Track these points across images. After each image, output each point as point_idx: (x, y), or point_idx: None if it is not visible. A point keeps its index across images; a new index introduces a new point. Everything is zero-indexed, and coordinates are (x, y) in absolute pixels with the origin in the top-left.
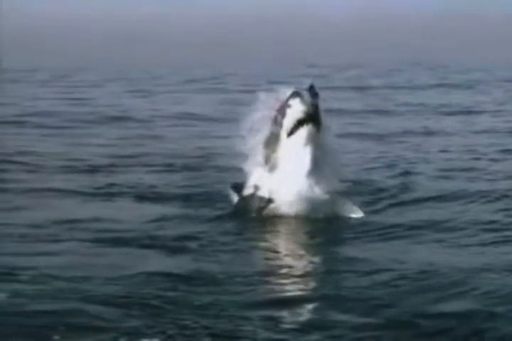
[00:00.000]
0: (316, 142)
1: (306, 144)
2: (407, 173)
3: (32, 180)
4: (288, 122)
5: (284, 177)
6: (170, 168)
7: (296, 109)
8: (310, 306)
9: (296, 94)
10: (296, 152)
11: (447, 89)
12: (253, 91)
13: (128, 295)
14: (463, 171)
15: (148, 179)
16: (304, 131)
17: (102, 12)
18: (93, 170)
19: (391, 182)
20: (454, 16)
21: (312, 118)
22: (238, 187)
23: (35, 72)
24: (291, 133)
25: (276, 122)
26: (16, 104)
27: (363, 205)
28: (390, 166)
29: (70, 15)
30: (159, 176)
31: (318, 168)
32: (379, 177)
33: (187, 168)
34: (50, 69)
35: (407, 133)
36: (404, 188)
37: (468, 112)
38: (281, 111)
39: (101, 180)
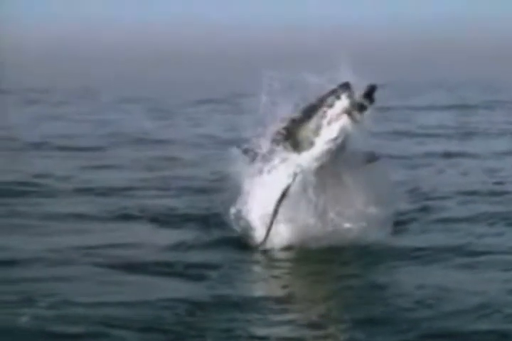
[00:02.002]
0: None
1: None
2: (428, 196)
3: (49, 204)
4: (332, 112)
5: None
6: (185, 192)
7: (344, 101)
8: (332, 330)
9: (346, 87)
10: (334, 137)
11: (466, 110)
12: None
13: (147, 319)
14: (485, 194)
15: (165, 202)
16: (346, 121)
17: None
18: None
19: (412, 205)
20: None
21: (356, 110)
22: (250, 152)
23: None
24: (332, 121)
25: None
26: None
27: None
28: (412, 189)
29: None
30: (175, 200)
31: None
32: (401, 199)
33: (205, 191)
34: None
35: (428, 155)
36: (426, 211)
37: (487, 133)
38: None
39: (118, 203)
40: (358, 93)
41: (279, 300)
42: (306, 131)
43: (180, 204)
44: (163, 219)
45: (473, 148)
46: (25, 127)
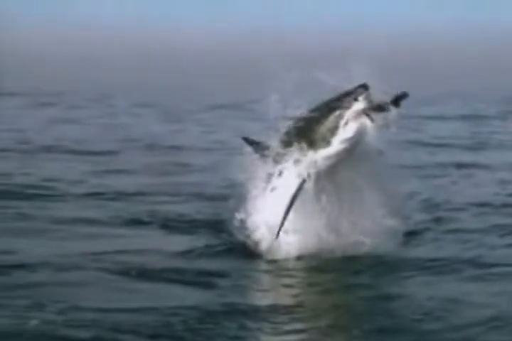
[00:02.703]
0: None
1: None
2: (440, 207)
3: (59, 208)
4: (349, 113)
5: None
6: (197, 198)
7: (361, 103)
8: (341, 340)
9: (364, 88)
10: (351, 137)
11: (479, 120)
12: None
13: (155, 326)
14: (497, 206)
15: (176, 208)
16: (364, 121)
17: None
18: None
19: (424, 215)
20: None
21: (374, 111)
22: (253, 142)
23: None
24: (349, 121)
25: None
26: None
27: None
28: (425, 199)
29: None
30: (186, 206)
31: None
32: (413, 210)
33: (215, 197)
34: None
35: (440, 165)
36: (438, 222)
37: (500, 144)
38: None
39: (128, 208)
40: (387, 97)
41: (288, 309)
42: (322, 130)
43: (190, 210)
44: (173, 225)
45: (486, 159)
46: (37, 130)
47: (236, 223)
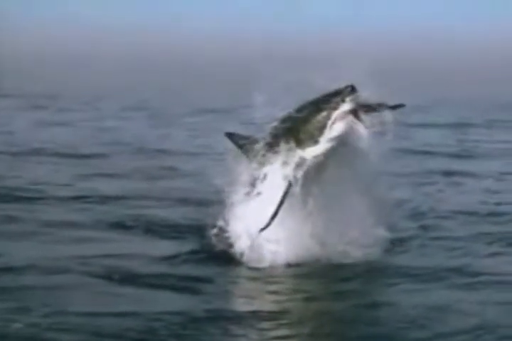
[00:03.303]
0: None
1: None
2: (427, 215)
3: (45, 211)
4: (337, 113)
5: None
6: (182, 202)
7: (349, 104)
8: None
9: (351, 89)
10: (338, 135)
11: (467, 128)
12: None
13: (140, 331)
14: (484, 214)
15: (162, 213)
16: (351, 120)
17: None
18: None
19: (411, 223)
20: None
21: (362, 111)
22: (239, 137)
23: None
24: (337, 121)
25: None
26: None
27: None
28: (411, 207)
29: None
30: (172, 210)
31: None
32: (400, 218)
33: (202, 202)
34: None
35: (428, 173)
36: (425, 230)
37: (487, 153)
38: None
39: (114, 212)
40: (384, 104)
41: (273, 316)
42: (310, 129)
43: (176, 215)
44: (158, 230)
45: (473, 167)
46: (26, 133)
47: (216, 231)
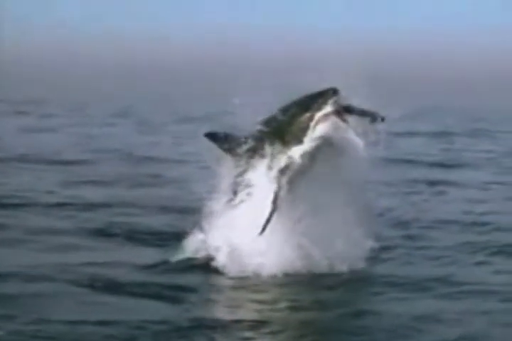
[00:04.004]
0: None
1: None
2: (411, 224)
3: (29, 218)
4: (319, 114)
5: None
6: (166, 210)
7: (331, 106)
8: None
9: (334, 92)
10: (322, 136)
11: (450, 137)
12: None
13: (123, 339)
14: (467, 224)
15: (145, 220)
16: (334, 120)
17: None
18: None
19: (395, 232)
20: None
21: (342, 112)
22: (221, 136)
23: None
24: (320, 122)
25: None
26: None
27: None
28: (396, 216)
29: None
30: (156, 218)
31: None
32: (384, 227)
33: (185, 210)
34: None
35: (411, 182)
36: (409, 239)
37: (471, 162)
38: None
39: (99, 219)
40: (368, 114)
41: (257, 325)
42: (294, 130)
43: (160, 223)
44: (142, 238)
45: (458, 176)
46: (11, 139)
47: (197, 241)
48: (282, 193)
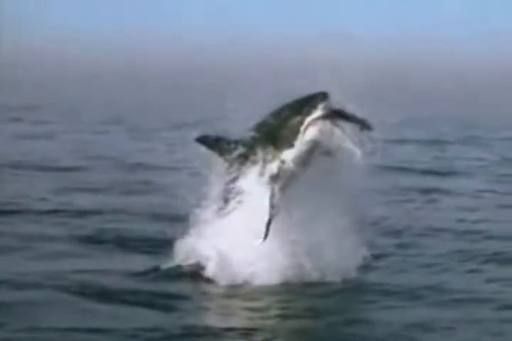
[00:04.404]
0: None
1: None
2: (404, 232)
3: (21, 225)
4: (309, 119)
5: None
6: (158, 217)
7: (320, 110)
8: None
9: (323, 96)
10: (313, 139)
11: (442, 145)
12: None
13: None
14: (459, 232)
15: (137, 227)
16: (324, 124)
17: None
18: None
19: (388, 240)
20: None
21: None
22: (213, 139)
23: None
24: (310, 126)
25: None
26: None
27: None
28: (389, 224)
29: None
30: (148, 225)
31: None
32: (377, 235)
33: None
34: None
35: (404, 190)
36: (401, 247)
37: (463, 170)
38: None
39: (91, 226)
40: (358, 121)
41: (248, 333)
42: (285, 133)
43: (152, 230)
44: (134, 245)
45: (450, 184)
46: (4, 145)
47: (187, 249)
48: (276, 200)
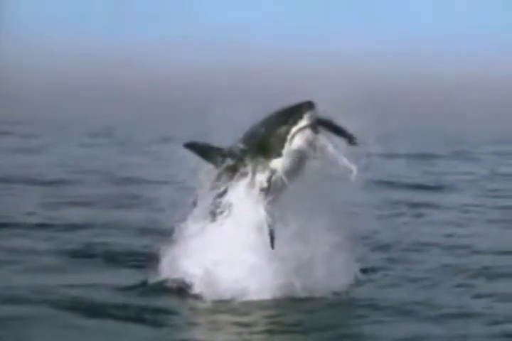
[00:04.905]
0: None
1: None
2: (393, 247)
3: (8, 238)
4: (295, 128)
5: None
6: (146, 232)
7: (306, 120)
8: None
9: (309, 106)
10: (300, 148)
11: (431, 159)
12: None
13: None
14: (448, 247)
15: (125, 242)
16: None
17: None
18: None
19: (378, 255)
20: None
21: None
22: (203, 146)
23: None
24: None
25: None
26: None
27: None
28: (378, 239)
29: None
30: (137, 240)
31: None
32: (366, 250)
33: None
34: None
35: (392, 204)
36: (390, 262)
37: (452, 184)
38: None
39: (78, 240)
40: (343, 135)
41: None
42: (272, 142)
43: (141, 244)
44: (122, 259)
45: (438, 198)
46: None
47: (173, 265)
48: (270, 209)
